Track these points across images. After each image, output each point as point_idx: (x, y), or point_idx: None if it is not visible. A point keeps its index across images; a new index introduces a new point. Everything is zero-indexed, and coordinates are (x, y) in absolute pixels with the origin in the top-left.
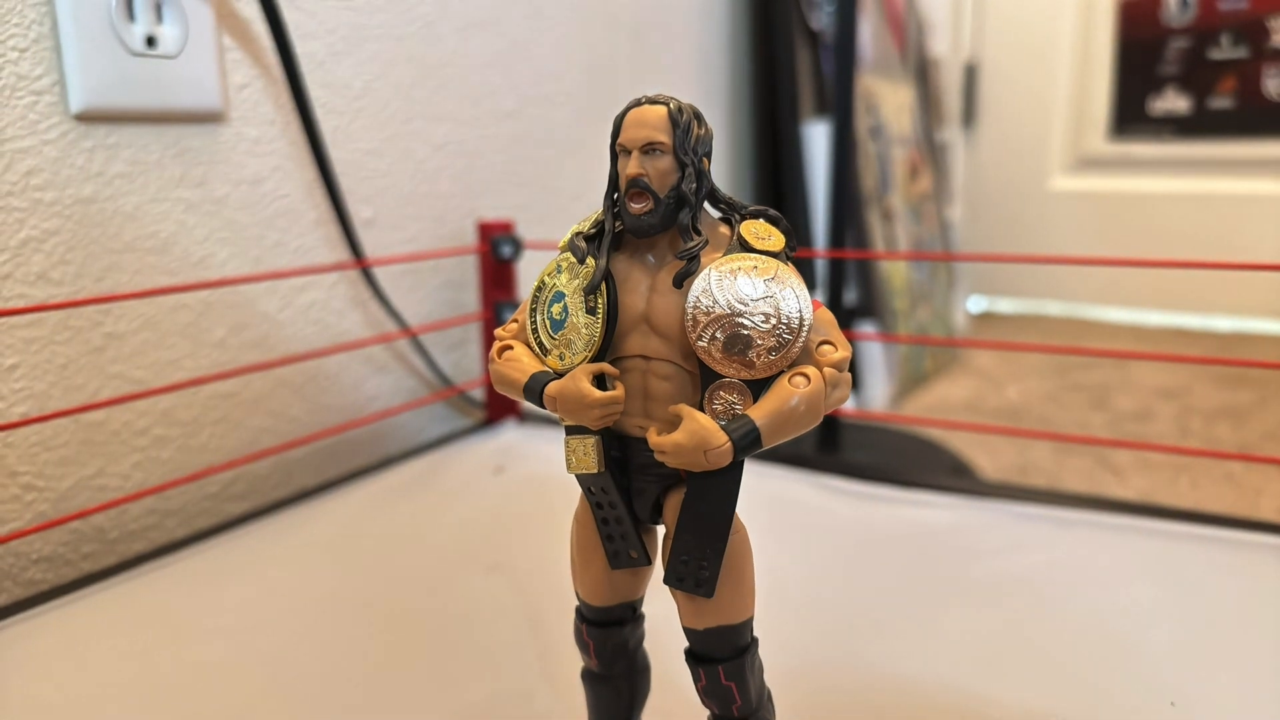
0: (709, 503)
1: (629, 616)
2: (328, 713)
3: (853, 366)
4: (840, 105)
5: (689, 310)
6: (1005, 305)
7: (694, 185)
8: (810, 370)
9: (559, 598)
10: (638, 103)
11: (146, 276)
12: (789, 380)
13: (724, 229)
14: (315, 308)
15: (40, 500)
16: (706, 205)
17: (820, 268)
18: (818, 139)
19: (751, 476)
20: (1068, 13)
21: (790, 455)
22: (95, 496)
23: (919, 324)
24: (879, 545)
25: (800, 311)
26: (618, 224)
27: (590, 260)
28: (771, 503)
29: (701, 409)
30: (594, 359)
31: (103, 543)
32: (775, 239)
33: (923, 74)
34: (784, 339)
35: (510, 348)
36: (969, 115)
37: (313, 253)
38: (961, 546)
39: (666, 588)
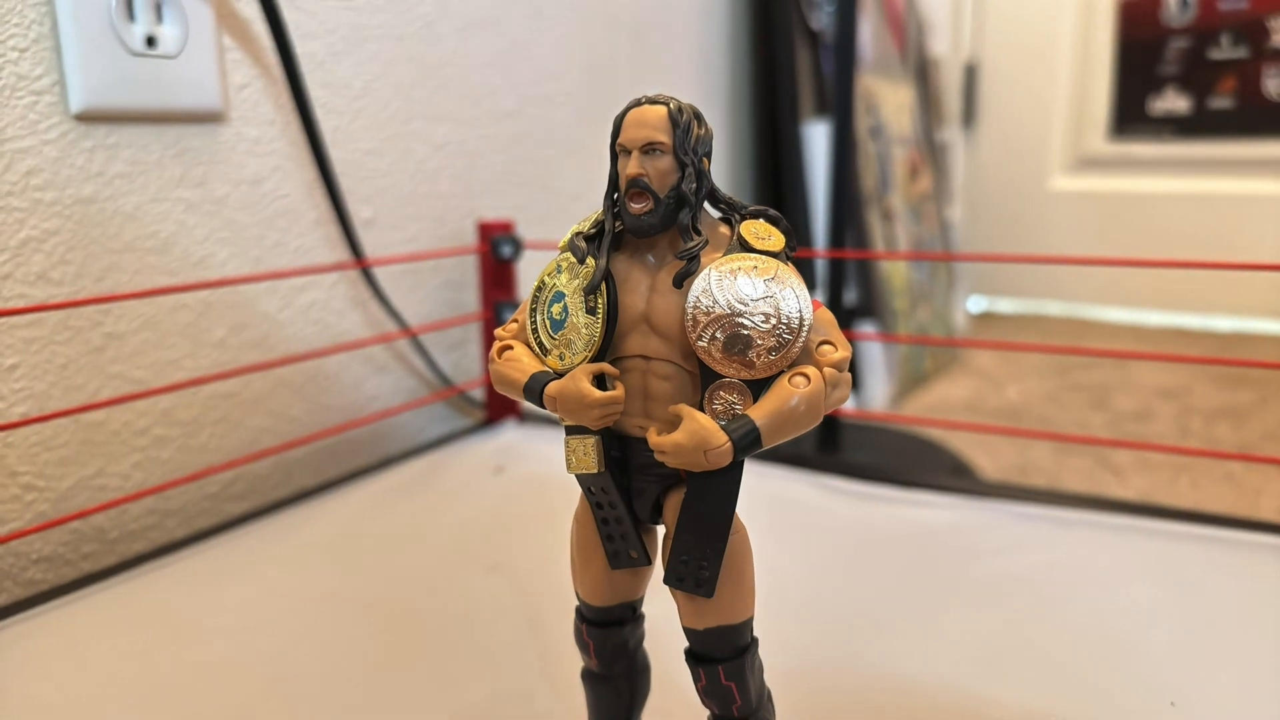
0: (709, 503)
1: (629, 616)
2: (328, 713)
3: (853, 366)
4: (840, 105)
5: (689, 310)
6: (1005, 305)
7: (694, 185)
8: (810, 370)
9: (559, 598)
10: (638, 103)
11: (146, 276)
12: (789, 380)
13: (724, 229)
14: (315, 308)
15: (40, 500)
16: (706, 205)
17: (820, 268)
18: (818, 139)
19: (751, 476)
20: (1068, 13)
21: (790, 455)
22: (95, 496)
23: (919, 324)
24: (879, 545)
25: (800, 311)
26: (618, 224)
27: (590, 260)
28: (771, 503)
29: (701, 409)
30: (594, 359)
31: (103, 543)
32: (775, 239)
33: (923, 74)
34: (784, 339)
35: (510, 348)
36: (969, 115)
37: (313, 253)
38: (961, 546)
39: (666, 588)
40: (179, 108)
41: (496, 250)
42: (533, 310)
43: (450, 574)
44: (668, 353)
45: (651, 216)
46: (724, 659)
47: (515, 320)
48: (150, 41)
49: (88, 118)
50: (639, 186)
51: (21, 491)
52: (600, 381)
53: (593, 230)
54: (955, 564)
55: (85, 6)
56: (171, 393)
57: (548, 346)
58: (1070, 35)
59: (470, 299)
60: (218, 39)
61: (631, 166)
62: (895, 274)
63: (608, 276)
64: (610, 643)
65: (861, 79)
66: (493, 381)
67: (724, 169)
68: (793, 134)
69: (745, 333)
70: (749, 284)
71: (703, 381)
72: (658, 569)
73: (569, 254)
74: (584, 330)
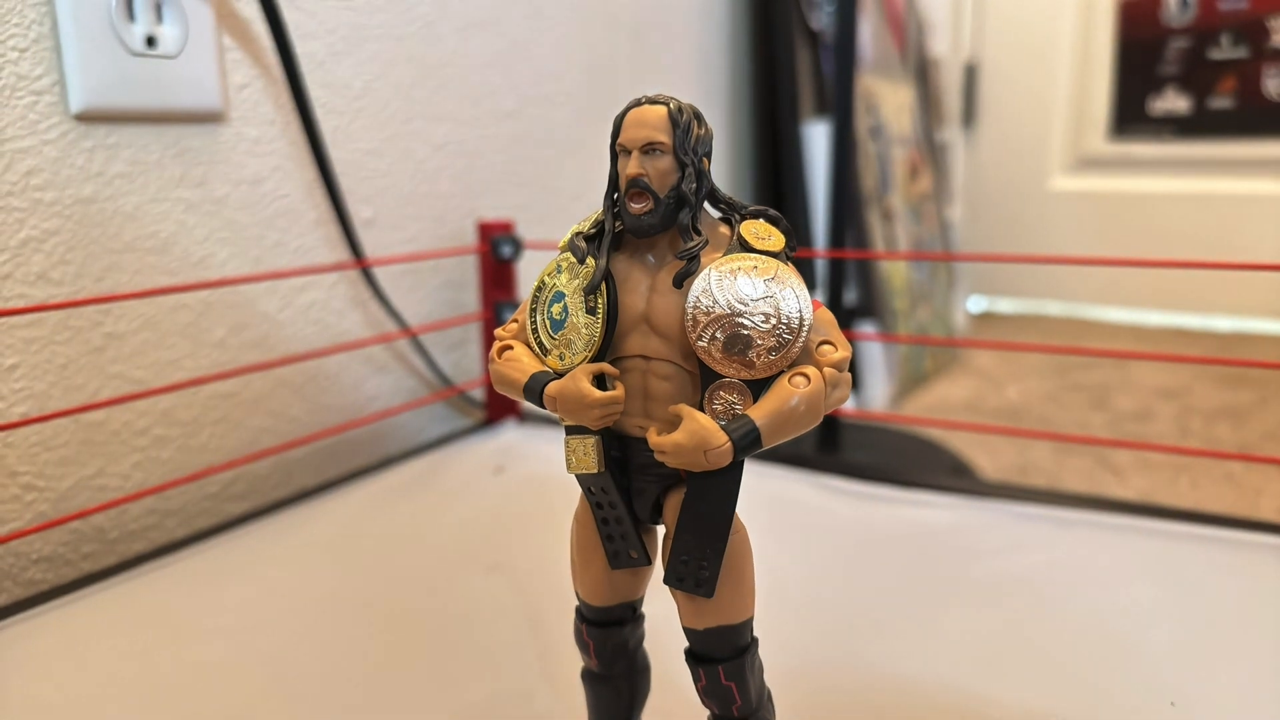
0: (709, 503)
1: (629, 616)
2: (328, 713)
3: (853, 366)
4: (840, 105)
5: (689, 310)
6: (1005, 305)
7: (694, 185)
8: (810, 370)
9: (559, 598)
10: (638, 103)
11: (146, 276)
12: (789, 380)
13: (724, 229)
14: (315, 308)
15: (40, 500)
16: (706, 205)
17: (820, 268)
18: (818, 139)
19: (751, 476)
20: (1068, 13)
21: (790, 455)
22: (95, 496)
23: (919, 324)
24: (879, 545)
25: (800, 311)
26: (618, 224)
27: (590, 260)
28: (771, 503)
29: (701, 409)
30: (594, 359)
31: (103, 543)
32: (775, 239)
33: (923, 74)
34: (784, 339)
35: (510, 348)
36: (969, 115)
37: (313, 253)
38: (961, 546)
39: (666, 588)
40: (179, 108)
41: (496, 250)
42: (533, 310)
43: (450, 574)
44: (668, 353)
45: (651, 216)
46: (724, 659)
47: (515, 320)
48: (150, 41)
49: (88, 118)
50: (639, 186)
51: (21, 491)
52: (600, 381)
53: (593, 230)
54: (955, 564)
55: (85, 6)
56: (171, 393)
57: (548, 346)
58: (1070, 35)
59: (470, 299)
60: (218, 39)
61: (631, 166)
62: (895, 274)
63: (608, 276)
64: (610, 643)
65: (861, 79)
66: (493, 381)
67: (724, 169)
68: (793, 134)
69: (745, 333)
70: (749, 284)
71: (703, 381)
72: (658, 569)
73: (569, 254)
74: (584, 330)
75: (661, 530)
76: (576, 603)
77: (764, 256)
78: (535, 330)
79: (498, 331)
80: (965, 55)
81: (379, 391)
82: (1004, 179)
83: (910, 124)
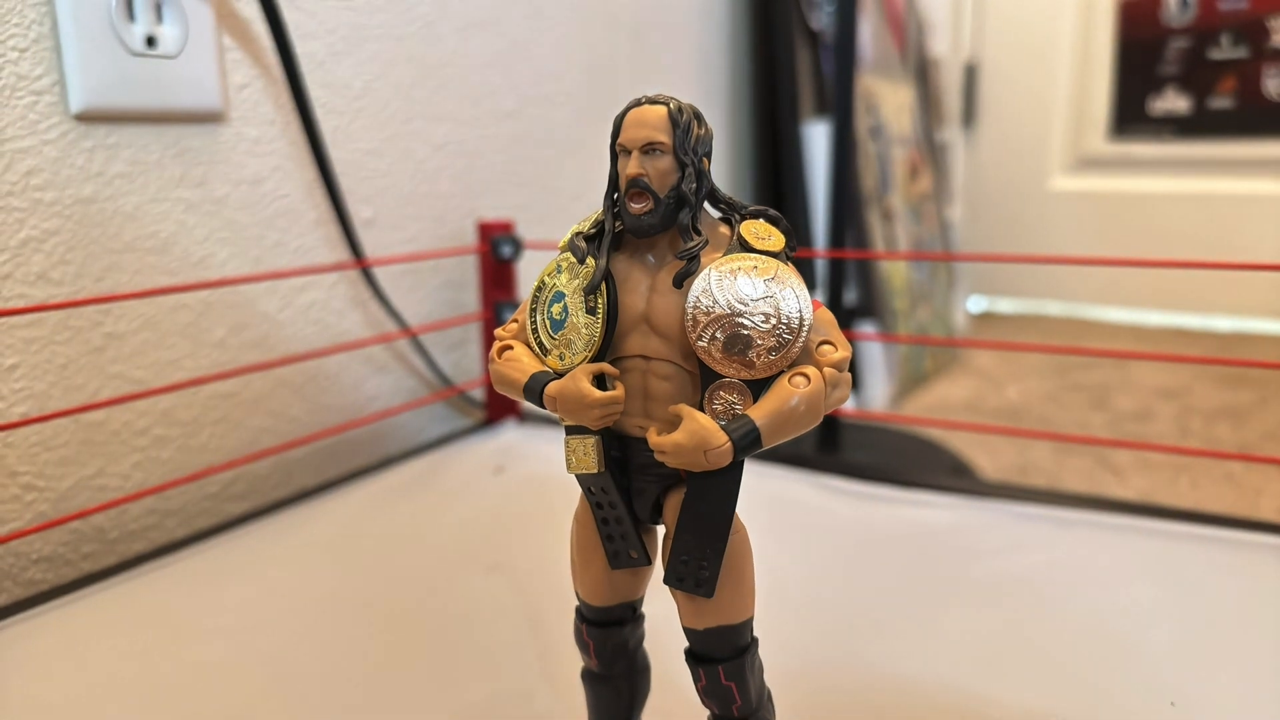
0: (709, 503)
1: (629, 616)
2: (328, 713)
3: (853, 366)
4: (840, 105)
5: (689, 310)
6: (1005, 305)
7: (694, 185)
8: (810, 370)
9: (559, 598)
10: (638, 103)
11: (146, 276)
12: (789, 380)
13: (724, 229)
14: (315, 308)
15: (40, 500)
16: (706, 205)
17: (820, 268)
18: (818, 139)
19: (751, 476)
20: (1068, 13)
21: (790, 455)
22: (95, 496)
23: (919, 324)
24: (879, 545)
25: (800, 311)
26: (618, 224)
27: (590, 260)
28: (771, 503)
29: (701, 409)
30: (594, 359)
31: (103, 543)
32: (775, 239)
33: (923, 74)
34: (784, 339)
35: (510, 348)
36: (969, 115)
37: (313, 253)
38: (961, 546)
39: (666, 588)
40: (179, 108)
41: (496, 250)
42: (533, 310)
43: (450, 574)
44: (668, 353)
45: (651, 216)
46: (724, 659)
47: (515, 320)
48: (150, 41)
49: (88, 118)
50: (639, 186)
51: (21, 491)
52: (600, 381)
53: (593, 230)
54: (955, 564)
55: (85, 6)
56: (171, 393)
57: (548, 346)
58: (1070, 35)
59: (470, 299)
60: (218, 39)
61: (631, 166)
62: (895, 274)
63: (608, 276)
64: (610, 643)
65: (861, 79)
66: (493, 381)
67: (724, 169)
68: (793, 134)
69: (745, 333)
70: (749, 284)
71: (703, 381)
72: (658, 569)
73: (569, 254)
74: (584, 330)
75: (661, 530)
76: (576, 603)
77: (764, 256)
78: (535, 330)
79: (498, 331)
80: (965, 55)
81: (379, 391)
82: (1004, 179)
83: (910, 124)
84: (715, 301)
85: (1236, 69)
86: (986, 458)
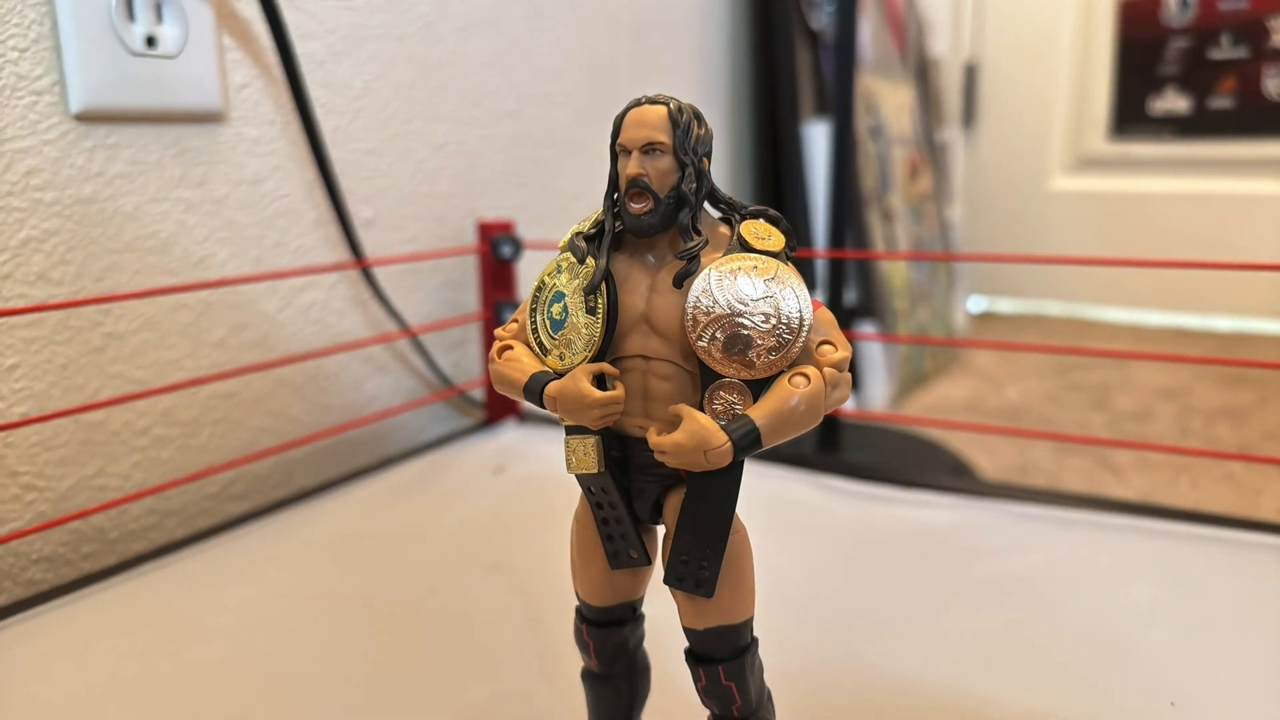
0: (709, 503)
1: (629, 616)
2: (328, 713)
3: (853, 366)
4: (840, 105)
5: (689, 310)
6: (1005, 305)
7: (694, 185)
8: (810, 370)
9: (559, 598)
10: (638, 103)
11: (146, 276)
12: (789, 380)
13: (724, 229)
14: (315, 308)
15: (40, 500)
16: (706, 205)
17: (820, 268)
18: (818, 139)
19: (751, 476)
20: (1068, 13)
21: (790, 455)
22: (95, 496)
23: (919, 324)
24: (879, 545)
25: (800, 311)
26: (618, 224)
27: (590, 260)
28: (771, 503)
29: (701, 409)
30: (594, 359)
31: (103, 543)
32: (775, 239)
33: (923, 74)
34: (784, 339)
35: (510, 348)
36: (969, 115)
37: (313, 253)
38: (961, 546)
39: (666, 588)
40: (179, 108)
41: (496, 250)
42: (533, 310)
43: (450, 574)
44: (668, 353)
45: (651, 216)
46: (724, 659)
47: (515, 320)
48: (150, 41)
49: (88, 118)
50: (639, 186)
51: (21, 491)
52: (600, 381)
53: (593, 230)
54: (955, 564)
55: (85, 6)
56: (171, 393)
57: (548, 346)
58: (1070, 35)
59: (470, 299)
60: (218, 39)
61: (631, 166)
62: (895, 274)
63: (608, 276)
64: (610, 643)
65: (861, 79)
66: (493, 381)
67: (724, 169)
68: (793, 134)
69: (745, 333)
70: (749, 284)
71: (703, 381)
72: (657, 569)
73: (569, 254)
74: (584, 330)
75: (661, 530)
76: (576, 603)
77: (764, 256)
78: (535, 330)
79: (498, 331)
80: (965, 55)
81: (379, 391)
82: (1004, 179)
83: (910, 124)
84: (715, 301)
85: (1236, 69)
86: (986, 458)
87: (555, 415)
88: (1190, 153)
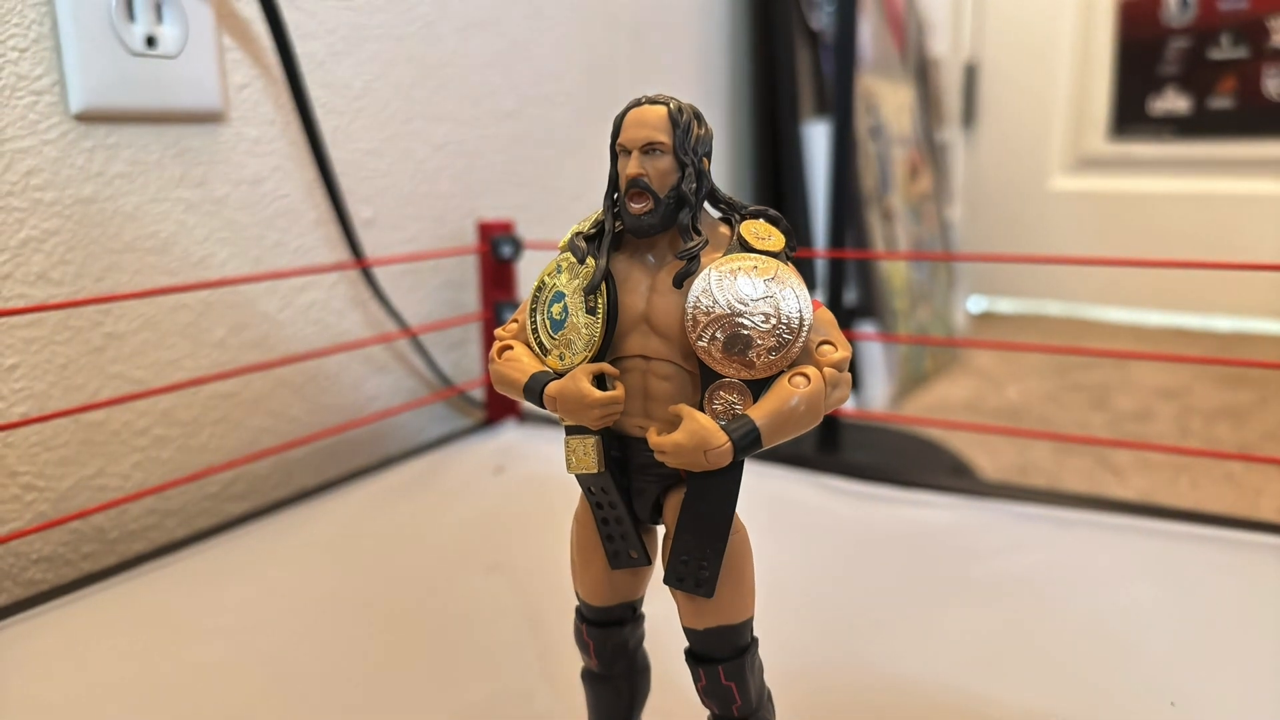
0: (709, 503)
1: (629, 616)
2: (328, 713)
3: (853, 366)
4: (840, 105)
5: (689, 310)
6: (1005, 305)
7: (694, 185)
8: (810, 370)
9: (559, 598)
10: (638, 103)
11: (146, 276)
12: (789, 380)
13: (724, 229)
14: (315, 308)
15: (40, 500)
16: (706, 205)
17: (820, 268)
18: (818, 139)
19: (751, 476)
20: (1068, 13)
21: (790, 455)
22: (95, 496)
23: (919, 324)
24: (879, 545)
25: (800, 311)
26: (618, 224)
27: (590, 260)
28: (771, 503)
29: (701, 409)
30: (594, 359)
31: (103, 543)
32: (775, 239)
33: (923, 74)
34: (784, 339)
35: (510, 347)
36: (969, 115)
37: (313, 253)
38: (961, 546)
39: (666, 587)
40: (179, 108)
41: (496, 250)
42: (533, 310)
43: (450, 574)
44: (668, 353)
45: (651, 216)
46: (724, 659)
47: (515, 320)
48: (150, 41)
49: (88, 118)
50: (639, 186)
51: (21, 491)
52: (600, 381)
53: (593, 230)
54: (955, 564)
55: (85, 6)
56: (171, 393)
57: (548, 346)
58: (1070, 35)
59: (470, 299)
60: (218, 39)
61: (631, 166)
62: (895, 274)
63: (607, 276)
64: (610, 643)
65: (861, 79)
66: (492, 381)
67: (724, 169)
68: (793, 134)
69: (745, 333)
70: (749, 284)
71: (703, 381)
72: (657, 569)
73: (569, 254)
74: (584, 330)
75: (661, 530)
76: (576, 603)
77: (764, 256)
78: (535, 330)
79: (498, 331)
80: (965, 55)
81: (379, 391)
82: (1004, 179)
83: (910, 124)
84: (715, 301)
85: (1236, 69)
86: (986, 458)
87: (555, 415)
88: (1190, 153)
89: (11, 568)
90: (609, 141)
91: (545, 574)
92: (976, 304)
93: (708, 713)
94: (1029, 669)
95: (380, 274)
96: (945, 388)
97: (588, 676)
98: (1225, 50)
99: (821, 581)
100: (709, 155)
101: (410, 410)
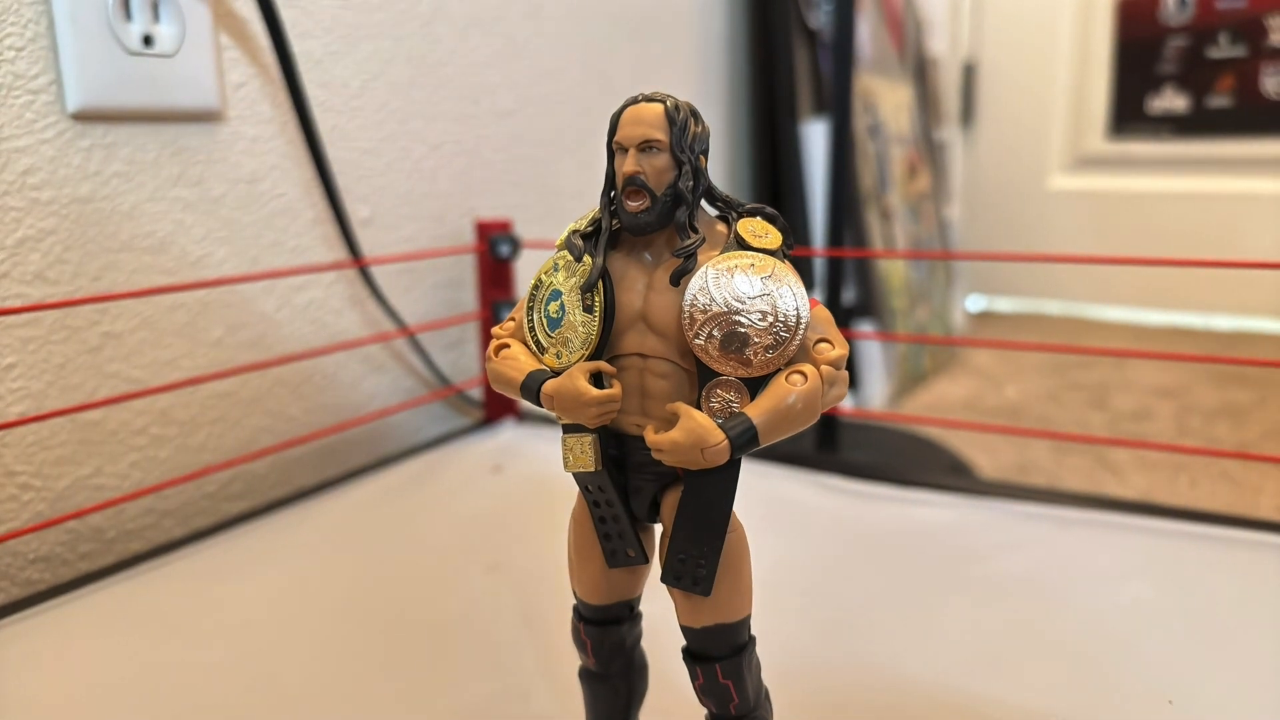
0: (706, 501)
1: (626, 615)
2: (327, 713)
3: (851, 365)
4: (838, 104)
5: (686, 308)
6: (1004, 304)
7: (691, 183)
8: (807, 368)
9: (558, 597)
10: (634, 100)
11: (144, 276)
12: (786, 378)
13: (721, 227)
14: (313, 307)
15: (37, 500)
16: (704, 203)
17: (818, 266)
18: (816, 138)
19: (749, 475)
20: (1066, 12)
21: (788, 454)
22: (93, 496)
23: (917, 323)
24: (877, 544)
25: (797, 309)
26: (615, 222)
27: (587, 258)
28: (769, 501)
29: (699, 407)
30: (591, 357)
31: (100, 542)
32: (772, 237)
33: (921, 73)
34: (781, 337)
35: (507, 346)
36: (967, 114)
37: (310, 252)
38: (961, 545)
39: (664, 586)
40: (176, 107)
41: (494, 249)
42: (530, 308)
43: (448, 573)
44: (665, 351)
45: (648, 214)
46: (721, 657)
47: (512, 319)
48: (147, 40)
49: (84, 117)
50: (636, 184)
51: (19, 491)
52: (597, 380)
53: (590, 228)
54: (954, 563)
55: (82, 5)
56: (169, 392)
57: (545, 345)
58: (1069, 34)
59: (468, 298)
60: (215, 38)
61: (628, 164)
62: (894, 273)
63: (604, 274)
64: (608, 641)
65: (860, 78)
66: (490, 380)
67: (722, 167)
68: (791, 133)
69: (742, 330)
70: (746, 282)
71: (700, 379)
72: (655, 567)
73: (566, 252)
74: (581, 328)
75: (659, 529)
76: (574, 602)
77: (761, 254)
78: (532, 328)
79: (495, 330)
80: (964, 54)
81: (377, 391)
82: (1003, 178)
83: (909, 123)
84: (712, 299)
85: (1235, 68)
86: (985, 457)
87: (553, 414)
88: (1189, 151)
89: (9, 568)
90: (606, 140)
91: (543, 573)
92: (975, 303)
93: (705, 711)
94: (1028, 668)
95: (378, 273)
96: (944, 387)
97: (585, 675)
98: (1224, 49)
99: (819, 580)
100: (706, 153)
101: (408, 409)
